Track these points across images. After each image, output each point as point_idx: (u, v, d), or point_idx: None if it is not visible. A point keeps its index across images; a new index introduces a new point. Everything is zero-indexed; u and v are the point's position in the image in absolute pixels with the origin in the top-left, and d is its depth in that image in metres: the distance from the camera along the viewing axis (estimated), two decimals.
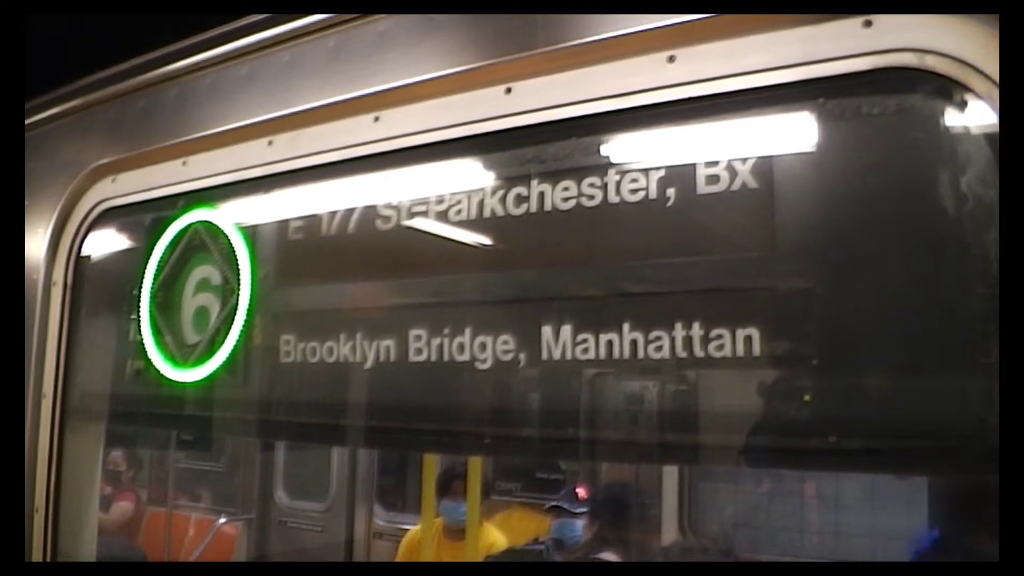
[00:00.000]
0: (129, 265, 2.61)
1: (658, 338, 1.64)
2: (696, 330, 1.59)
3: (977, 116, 1.40)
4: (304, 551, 8.05)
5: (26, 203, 2.92)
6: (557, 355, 1.75)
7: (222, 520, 8.30)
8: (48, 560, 2.67)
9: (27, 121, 3.02)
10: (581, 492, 5.40)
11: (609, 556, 5.18)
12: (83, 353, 2.74)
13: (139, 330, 2.53)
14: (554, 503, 5.42)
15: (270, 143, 2.29)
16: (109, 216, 2.71)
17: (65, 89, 2.91)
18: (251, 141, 2.34)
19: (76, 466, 2.77)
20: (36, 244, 2.78)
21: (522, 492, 6.83)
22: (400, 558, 6.16)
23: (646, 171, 1.72)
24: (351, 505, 7.93)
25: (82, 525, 2.83)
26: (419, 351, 1.93)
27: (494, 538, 5.68)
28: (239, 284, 2.29)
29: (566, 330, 1.74)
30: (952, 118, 1.43)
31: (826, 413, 1.54)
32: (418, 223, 2.02)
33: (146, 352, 2.50)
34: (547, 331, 1.77)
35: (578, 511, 5.29)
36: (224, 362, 2.29)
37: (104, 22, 2.51)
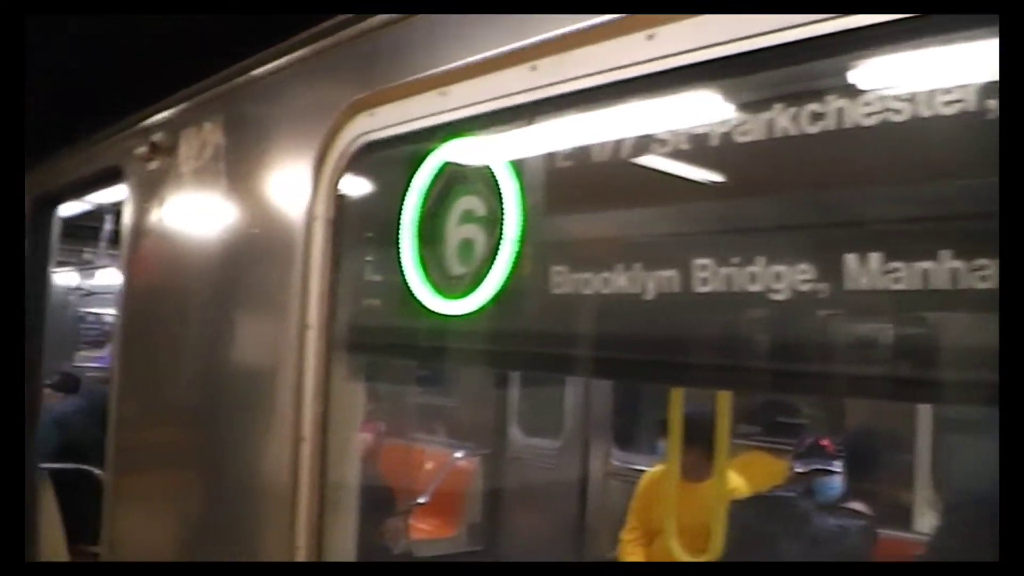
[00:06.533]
0: (390, 198, 2.63)
1: (983, 267, 1.46)
2: None
3: None
4: (537, 487, 8.20)
5: (289, 141, 3.01)
6: (865, 285, 1.59)
7: (458, 455, 8.60)
8: (316, 486, 2.77)
9: (282, 61, 3.11)
10: (831, 440, 5.13)
11: (860, 507, 4.97)
12: (346, 285, 2.80)
13: (402, 262, 2.54)
14: (803, 451, 5.18)
15: (533, 68, 2.21)
16: (368, 150, 2.73)
17: (317, 27, 2.94)
18: (512, 68, 2.26)
19: (340, 396, 2.84)
20: (299, 180, 2.85)
21: (760, 436, 6.62)
22: (638, 498, 6.15)
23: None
24: (586, 444, 7.96)
25: (346, 454, 2.93)
26: (704, 281, 1.82)
27: (736, 483, 5.53)
28: (504, 215, 2.25)
29: (874, 257, 1.58)
30: None
31: None
32: (697, 147, 1.89)
33: (409, 285, 2.52)
34: (851, 259, 1.61)
35: (832, 460, 5.04)
36: (494, 294, 2.26)
37: None
